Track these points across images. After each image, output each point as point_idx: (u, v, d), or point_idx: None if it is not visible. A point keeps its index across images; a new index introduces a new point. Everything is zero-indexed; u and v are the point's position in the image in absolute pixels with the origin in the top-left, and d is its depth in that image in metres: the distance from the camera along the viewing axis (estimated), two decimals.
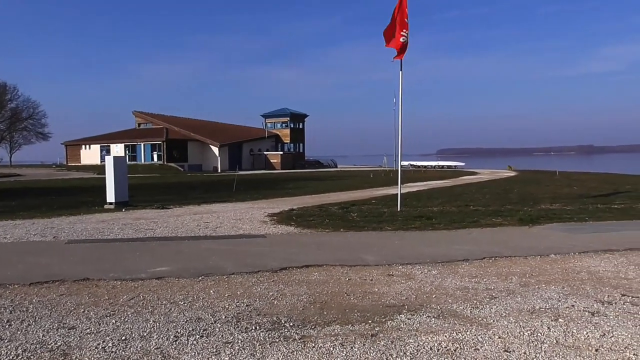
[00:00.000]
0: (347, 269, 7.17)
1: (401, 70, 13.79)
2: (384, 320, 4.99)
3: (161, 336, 4.52)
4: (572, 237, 9.70)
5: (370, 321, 4.95)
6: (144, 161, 57.04)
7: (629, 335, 4.55)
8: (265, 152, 63.53)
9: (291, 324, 4.85)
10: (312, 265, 7.32)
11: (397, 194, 14.64)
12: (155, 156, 57.16)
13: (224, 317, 5.06)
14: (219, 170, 54.96)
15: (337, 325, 4.82)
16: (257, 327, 4.75)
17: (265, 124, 68.84)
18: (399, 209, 13.80)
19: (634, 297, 5.76)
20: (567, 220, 11.94)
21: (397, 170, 15.28)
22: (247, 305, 5.44)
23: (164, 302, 5.58)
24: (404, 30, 13.11)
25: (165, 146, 56.14)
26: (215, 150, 58.17)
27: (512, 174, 41.39)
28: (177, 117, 68.59)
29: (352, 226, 11.19)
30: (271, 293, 5.93)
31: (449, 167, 60.33)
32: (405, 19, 13.15)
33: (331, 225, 11.36)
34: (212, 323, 4.87)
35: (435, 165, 62.60)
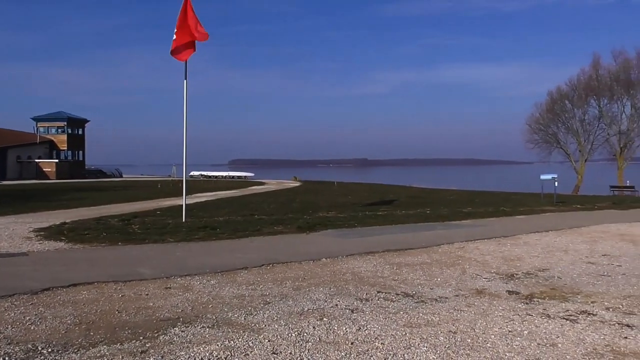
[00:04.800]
0: (122, 284, 6.78)
1: (185, 79, 13.70)
2: (156, 335, 4.84)
3: None
4: (342, 242, 10.67)
5: (141, 337, 4.75)
6: None
7: (379, 327, 5.16)
8: (36, 160, 56.78)
9: (49, 350, 4.40)
10: (81, 283, 6.75)
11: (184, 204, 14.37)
12: None
13: None
14: None
15: (104, 346, 4.53)
16: (6, 359, 4.21)
17: (37, 129, 61.42)
18: (184, 220, 13.56)
19: (386, 293, 6.56)
20: (340, 227, 13.09)
21: (183, 180, 15.02)
22: None
23: None
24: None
25: None
26: None
27: (297, 184, 43.91)
28: None
29: (131, 239, 10.63)
30: (28, 318, 5.30)
31: (239, 177, 61.26)
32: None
33: (108, 239, 10.64)
34: None
35: (226, 176, 62.98)
